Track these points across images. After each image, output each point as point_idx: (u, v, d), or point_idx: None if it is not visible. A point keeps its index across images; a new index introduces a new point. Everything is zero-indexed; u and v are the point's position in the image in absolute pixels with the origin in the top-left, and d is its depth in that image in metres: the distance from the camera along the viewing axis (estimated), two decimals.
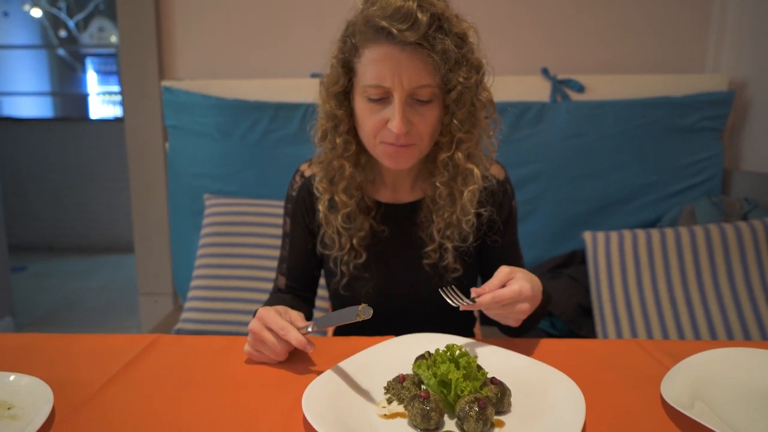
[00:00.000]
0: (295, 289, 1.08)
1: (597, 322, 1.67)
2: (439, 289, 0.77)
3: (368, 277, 1.01)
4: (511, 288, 0.76)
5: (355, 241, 0.98)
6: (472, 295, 0.75)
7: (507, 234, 1.03)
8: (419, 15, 0.80)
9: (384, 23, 0.80)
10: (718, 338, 1.56)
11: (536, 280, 0.83)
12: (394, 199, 1.02)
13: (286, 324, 0.75)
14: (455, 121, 0.88)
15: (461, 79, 0.85)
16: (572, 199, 1.98)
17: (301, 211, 1.04)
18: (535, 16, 2.07)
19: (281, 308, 0.81)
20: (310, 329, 0.76)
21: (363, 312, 0.71)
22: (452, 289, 0.78)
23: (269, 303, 0.98)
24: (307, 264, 1.07)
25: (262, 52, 2.13)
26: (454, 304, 0.74)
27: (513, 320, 0.81)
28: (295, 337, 0.74)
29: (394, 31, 0.80)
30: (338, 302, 1.08)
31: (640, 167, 1.96)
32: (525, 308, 0.78)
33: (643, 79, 1.99)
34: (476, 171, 0.91)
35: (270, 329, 0.76)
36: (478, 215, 0.95)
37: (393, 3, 0.81)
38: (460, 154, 0.90)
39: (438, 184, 0.93)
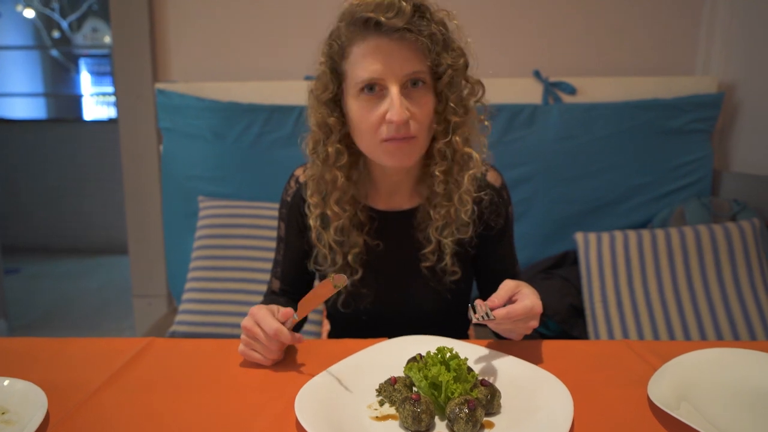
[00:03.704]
0: (289, 292, 1.08)
1: (589, 322, 1.68)
2: (469, 305, 0.77)
3: (366, 292, 1.00)
4: (523, 304, 0.76)
5: (350, 258, 0.97)
6: (483, 309, 0.75)
7: (503, 240, 1.03)
8: (402, 3, 0.82)
9: (370, 14, 0.81)
10: (708, 338, 1.58)
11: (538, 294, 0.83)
12: (391, 207, 1.00)
13: (277, 326, 0.76)
14: (451, 104, 0.88)
15: (450, 62, 0.86)
16: (564, 200, 2.00)
17: (296, 216, 1.04)
18: (526, 19, 2.08)
19: (274, 307, 0.81)
20: (296, 317, 0.79)
21: (337, 282, 0.72)
22: (473, 306, 0.77)
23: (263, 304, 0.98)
24: (300, 268, 1.07)
25: (256, 54, 2.13)
26: (475, 320, 0.75)
27: (517, 335, 0.81)
28: (287, 338, 0.76)
29: (382, 19, 0.81)
30: (337, 318, 1.08)
31: (631, 169, 1.98)
32: (534, 325, 0.79)
33: (634, 81, 2.01)
34: (475, 155, 0.91)
35: (261, 328, 0.78)
36: (479, 202, 0.95)
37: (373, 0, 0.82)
38: (457, 138, 0.90)
39: (437, 172, 0.92)
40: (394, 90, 0.83)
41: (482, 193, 0.95)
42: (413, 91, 0.86)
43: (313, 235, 0.98)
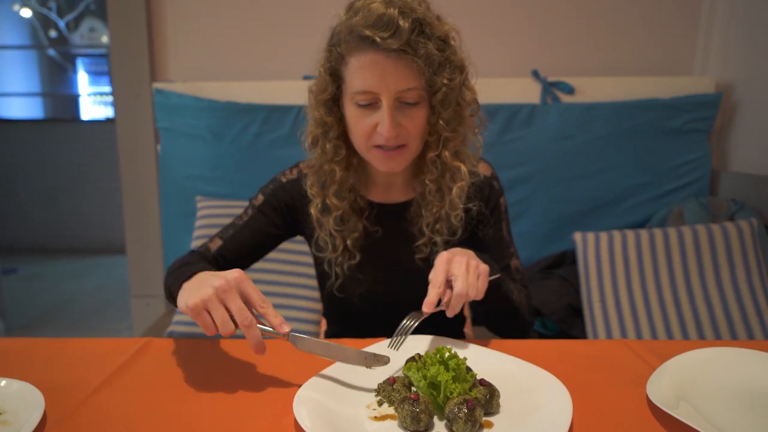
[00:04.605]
0: (221, 262, 1.01)
1: (587, 322, 1.68)
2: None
3: (362, 278, 1.02)
4: (434, 269, 0.79)
5: (349, 242, 1.00)
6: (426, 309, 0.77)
7: (494, 229, 1.04)
8: (401, 22, 0.82)
9: (367, 32, 0.83)
10: (706, 337, 1.58)
11: (462, 250, 0.84)
12: (387, 199, 1.03)
13: (251, 319, 0.69)
14: (441, 122, 0.91)
15: (445, 81, 0.87)
16: (563, 200, 2.00)
17: (279, 199, 1.04)
18: (525, 19, 2.08)
19: (263, 296, 0.73)
20: (286, 336, 0.71)
21: (372, 364, 0.72)
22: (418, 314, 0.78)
23: (188, 261, 0.91)
24: (251, 244, 1.03)
25: (254, 54, 2.13)
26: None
27: (477, 287, 0.79)
28: (254, 335, 0.69)
29: (378, 39, 0.82)
30: (332, 304, 1.08)
31: (630, 168, 1.99)
32: (474, 263, 0.79)
33: (633, 81, 2.01)
34: (463, 168, 0.94)
35: (229, 309, 0.70)
36: (467, 210, 0.98)
37: (375, 11, 0.83)
38: (447, 153, 0.93)
39: (427, 181, 0.96)
40: (386, 105, 0.86)
41: (472, 204, 0.98)
42: (406, 106, 0.88)
43: (314, 221, 1.00)
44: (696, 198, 1.91)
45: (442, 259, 0.80)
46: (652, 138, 1.97)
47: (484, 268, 0.81)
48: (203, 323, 0.70)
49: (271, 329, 0.71)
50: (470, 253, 0.84)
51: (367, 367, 0.73)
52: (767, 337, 1.57)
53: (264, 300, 0.72)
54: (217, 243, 1.02)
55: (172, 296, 0.85)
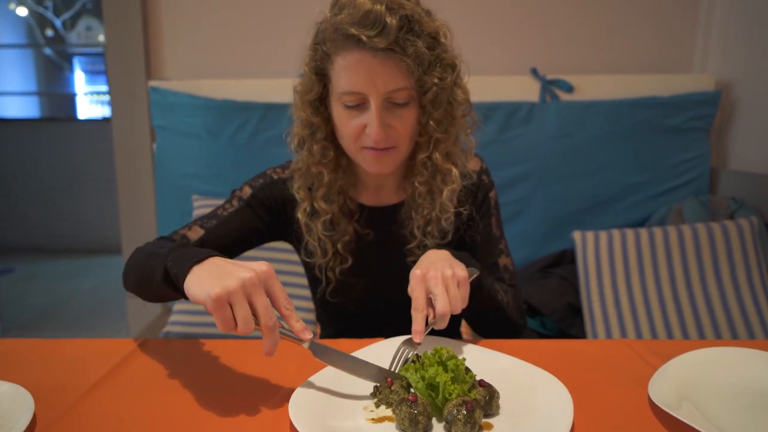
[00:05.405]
0: None
1: (587, 321, 1.68)
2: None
3: (355, 282, 1.00)
4: (412, 290, 0.75)
5: (339, 246, 0.97)
6: (417, 339, 0.74)
7: (483, 223, 1.02)
8: (388, 19, 0.79)
9: (353, 30, 0.80)
10: (706, 337, 1.58)
11: (435, 257, 0.80)
12: (378, 202, 1.01)
13: (276, 321, 0.63)
14: (432, 122, 0.88)
15: (436, 80, 0.85)
16: (562, 198, 1.99)
17: (268, 195, 1.00)
18: (524, 17, 2.07)
19: (288, 297, 0.67)
20: (305, 343, 0.68)
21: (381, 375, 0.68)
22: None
23: (181, 244, 0.82)
24: (236, 236, 0.98)
25: (250, 52, 2.11)
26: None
27: (463, 292, 0.76)
28: (274, 338, 0.62)
29: (364, 38, 0.79)
30: (325, 309, 1.07)
31: (629, 167, 1.98)
32: (449, 273, 0.75)
33: (632, 79, 2.01)
34: (454, 171, 0.91)
35: (253, 306, 0.63)
36: (458, 214, 0.95)
37: (361, 7, 0.79)
38: (438, 155, 0.90)
39: (417, 184, 0.93)
40: (374, 107, 0.83)
41: (462, 208, 0.95)
42: (395, 106, 0.86)
43: (302, 226, 0.97)
44: (695, 196, 1.90)
45: (416, 278, 0.75)
46: (651, 136, 1.96)
47: (462, 274, 0.76)
48: (222, 318, 0.61)
49: (289, 333, 0.66)
50: (444, 256, 0.79)
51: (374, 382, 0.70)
52: None
53: (289, 301, 0.66)
54: (198, 232, 0.94)
55: (167, 279, 0.72)
